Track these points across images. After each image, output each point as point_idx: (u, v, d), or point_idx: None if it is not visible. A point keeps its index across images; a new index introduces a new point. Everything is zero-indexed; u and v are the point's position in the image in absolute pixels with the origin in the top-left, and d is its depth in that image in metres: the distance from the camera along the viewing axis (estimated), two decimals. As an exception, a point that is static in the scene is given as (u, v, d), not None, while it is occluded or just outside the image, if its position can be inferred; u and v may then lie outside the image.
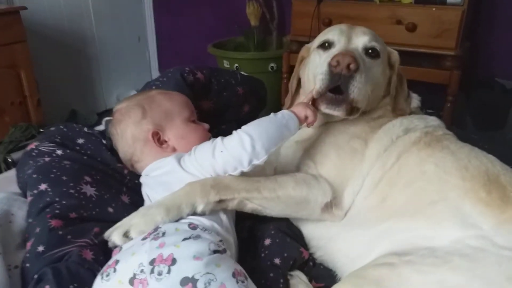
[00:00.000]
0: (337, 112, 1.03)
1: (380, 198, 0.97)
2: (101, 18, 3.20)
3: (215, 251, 0.80)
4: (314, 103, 1.06)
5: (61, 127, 1.24)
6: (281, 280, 0.94)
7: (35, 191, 1.01)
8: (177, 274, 0.74)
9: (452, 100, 2.21)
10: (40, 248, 0.89)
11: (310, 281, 0.98)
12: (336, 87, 1.00)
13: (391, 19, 2.23)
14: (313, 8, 2.38)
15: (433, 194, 0.91)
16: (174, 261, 0.75)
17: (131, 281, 0.75)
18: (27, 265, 0.89)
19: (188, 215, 0.89)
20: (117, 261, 0.79)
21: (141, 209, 0.92)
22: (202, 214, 0.90)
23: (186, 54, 3.61)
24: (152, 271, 0.74)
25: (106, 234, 0.89)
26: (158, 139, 1.07)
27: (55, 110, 2.85)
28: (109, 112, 1.33)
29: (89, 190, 1.06)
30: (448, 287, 0.74)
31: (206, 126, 1.16)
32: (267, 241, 1.00)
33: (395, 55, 1.17)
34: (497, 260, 0.76)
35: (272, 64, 2.78)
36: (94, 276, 0.83)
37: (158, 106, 1.10)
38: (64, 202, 0.98)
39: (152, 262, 0.75)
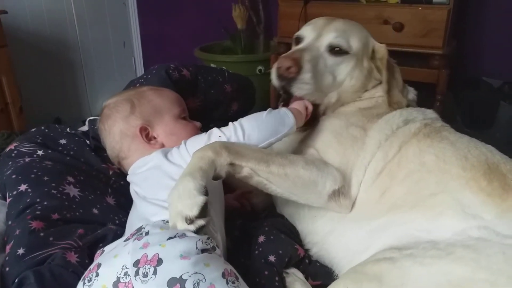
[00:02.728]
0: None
1: (380, 191, 0.94)
2: (84, 23, 3.14)
3: (203, 250, 0.75)
4: None
5: (43, 128, 1.21)
6: (277, 278, 0.90)
7: (14, 192, 0.97)
8: (163, 275, 0.69)
9: (441, 99, 2.20)
10: (20, 251, 0.85)
11: (306, 279, 0.94)
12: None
13: (378, 19, 2.22)
14: (299, 10, 2.36)
15: (433, 185, 0.89)
16: (160, 261, 0.71)
17: (115, 285, 0.70)
18: (7, 269, 0.84)
19: (211, 176, 0.85)
20: (99, 265, 0.75)
21: (171, 194, 0.82)
22: (219, 177, 0.88)
23: (173, 59, 3.52)
24: (137, 273, 0.70)
25: (171, 225, 0.80)
26: (146, 135, 1.03)
27: (38, 118, 2.76)
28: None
29: (73, 191, 1.02)
30: (453, 279, 0.71)
31: (198, 124, 1.13)
32: (261, 238, 0.97)
33: (381, 50, 1.16)
34: (501, 249, 0.74)
35: (259, 67, 2.76)
36: (80, 280, 0.78)
37: (148, 102, 1.07)
38: (45, 203, 0.94)
39: (136, 264, 0.71)
